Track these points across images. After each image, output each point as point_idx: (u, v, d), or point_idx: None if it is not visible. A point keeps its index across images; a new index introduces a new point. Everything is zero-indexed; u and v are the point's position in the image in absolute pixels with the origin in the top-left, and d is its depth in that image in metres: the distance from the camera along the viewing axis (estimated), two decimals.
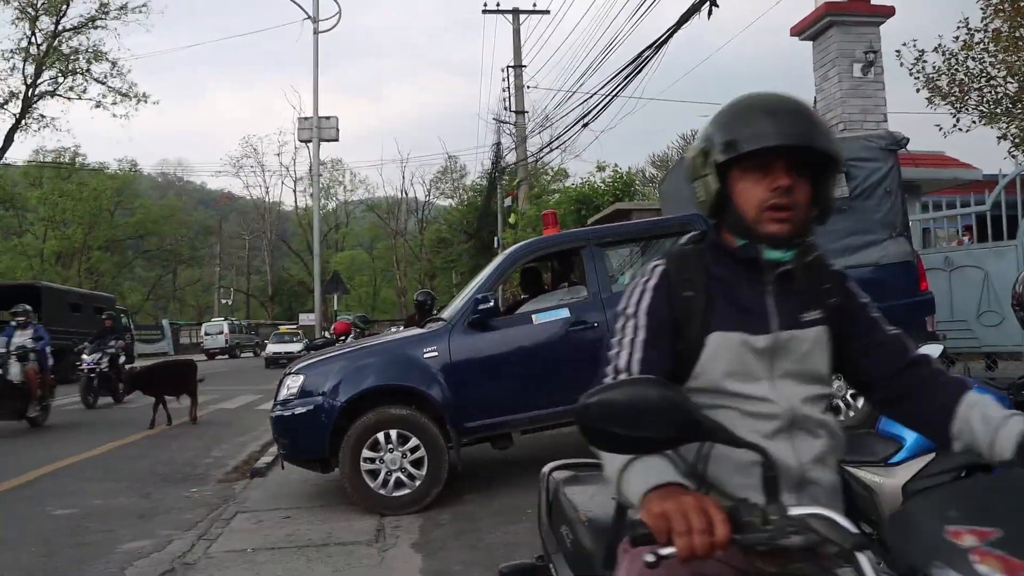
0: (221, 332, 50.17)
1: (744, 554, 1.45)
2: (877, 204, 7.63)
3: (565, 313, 7.07)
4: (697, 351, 1.79)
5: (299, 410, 6.75)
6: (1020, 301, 3.39)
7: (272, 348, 38.59)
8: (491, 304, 6.90)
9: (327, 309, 24.52)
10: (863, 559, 1.30)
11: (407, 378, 6.80)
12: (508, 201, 27.68)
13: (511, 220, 23.96)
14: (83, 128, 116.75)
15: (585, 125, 17.84)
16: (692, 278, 1.83)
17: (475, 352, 6.93)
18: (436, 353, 6.85)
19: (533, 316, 7.15)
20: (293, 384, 6.90)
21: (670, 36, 11.88)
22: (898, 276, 7.58)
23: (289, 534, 6.20)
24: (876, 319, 1.98)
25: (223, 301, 70.42)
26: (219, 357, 46.96)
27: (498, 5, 28.51)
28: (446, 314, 7.53)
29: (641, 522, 1.37)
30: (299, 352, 29.35)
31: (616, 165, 21.84)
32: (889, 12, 10.88)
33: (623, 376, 1.74)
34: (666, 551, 1.32)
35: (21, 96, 38.86)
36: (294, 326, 47.71)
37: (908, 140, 8.10)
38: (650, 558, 1.32)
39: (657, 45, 12.30)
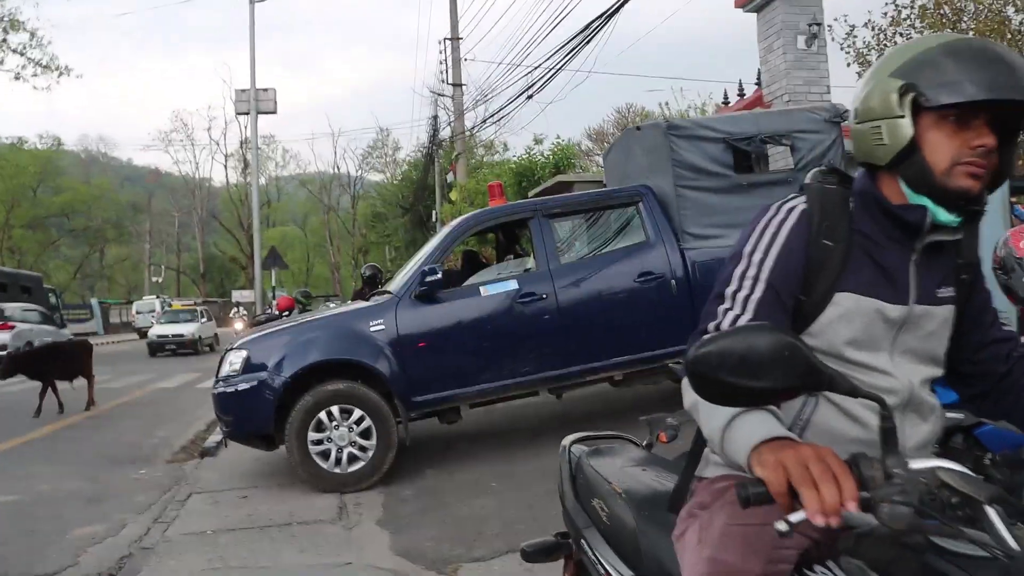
0: (153, 310, 49.05)
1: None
2: None
3: (513, 284, 7.03)
4: (820, 307, 1.63)
5: (242, 386, 6.61)
6: (1002, 265, 3.42)
7: (156, 331, 29.50)
8: (438, 276, 6.82)
9: (264, 286, 24.11)
10: (992, 513, 1.23)
11: (353, 352, 6.70)
12: (450, 176, 27.48)
13: (452, 196, 23.80)
14: (1, 101, 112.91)
15: (530, 97, 17.73)
16: (835, 225, 1.64)
17: (422, 325, 6.84)
18: (383, 326, 6.75)
19: (481, 288, 7.08)
20: (236, 359, 6.75)
21: (622, 5, 11.83)
22: None
23: (249, 514, 6.08)
24: (995, 312, 1.82)
25: (154, 279, 69.08)
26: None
27: None
28: (392, 287, 7.42)
29: (754, 481, 1.27)
30: (192, 336, 28.48)
31: (558, 137, 21.81)
32: None
33: None
34: (796, 517, 1.21)
35: None
36: (191, 302, 42.94)
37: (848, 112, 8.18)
38: (782, 527, 1.20)
39: (608, 15, 12.25)
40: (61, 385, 12.55)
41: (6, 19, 38.25)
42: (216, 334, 32.01)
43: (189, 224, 74.04)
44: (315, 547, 5.20)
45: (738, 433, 1.41)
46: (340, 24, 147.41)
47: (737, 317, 1.59)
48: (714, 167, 7.46)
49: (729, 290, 1.64)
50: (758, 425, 1.39)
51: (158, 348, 28.60)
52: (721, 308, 1.63)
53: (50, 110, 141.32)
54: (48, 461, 8.70)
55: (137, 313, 50.18)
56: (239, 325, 29.08)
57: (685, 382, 1.56)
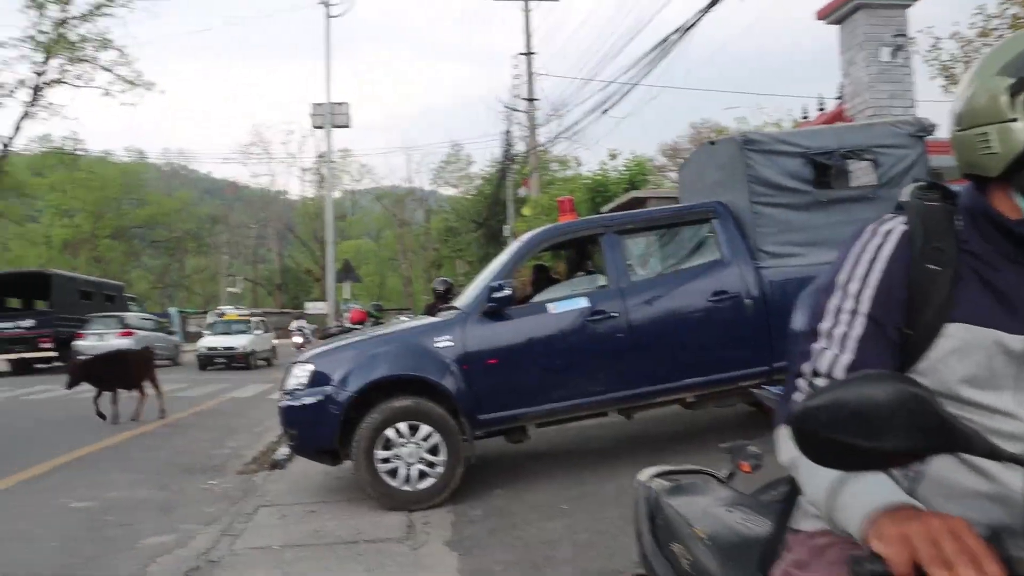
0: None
1: None
2: None
3: (583, 302, 6.88)
4: (928, 342, 1.41)
5: (307, 400, 6.56)
6: None
7: (206, 342, 27.01)
8: (507, 292, 6.70)
9: (337, 298, 24.33)
10: None
11: (419, 368, 6.60)
12: (522, 191, 27.43)
13: (525, 211, 23.74)
14: (89, 116, 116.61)
15: (605, 111, 17.58)
16: (941, 247, 1.43)
17: (490, 342, 6.73)
18: (450, 342, 6.65)
19: (550, 305, 6.95)
20: (301, 373, 6.70)
21: (699, 19, 11.65)
22: None
23: (316, 530, 6.02)
24: None
25: (230, 289, 70.35)
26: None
27: None
28: (460, 302, 7.33)
29: (870, 556, 1.09)
30: (245, 349, 25.91)
31: (632, 152, 21.62)
32: None
33: (820, 382, 1.41)
34: None
35: (30, 84, 38.70)
36: (246, 311, 39.08)
37: (936, 126, 7.88)
38: None
39: (685, 28, 12.07)
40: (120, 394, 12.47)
41: (97, 38, 39.61)
42: (274, 347, 29.76)
43: (266, 236, 75.28)
44: (381, 566, 5.10)
45: (850, 498, 1.22)
46: (415, 39, 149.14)
47: (836, 357, 1.41)
48: (792, 183, 7.22)
49: (824, 326, 1.46)
50: (874, 490, 1.20)
51: (207, 362, 26.23)
52: (816, 347, 1.45)
53: (134, 125, 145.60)
54: (122, 468, 8.80)
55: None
56: (298, 339, 28.32)
57: (780, 433, 1.42)
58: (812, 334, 1.47)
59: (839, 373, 1.39)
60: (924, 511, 1.15)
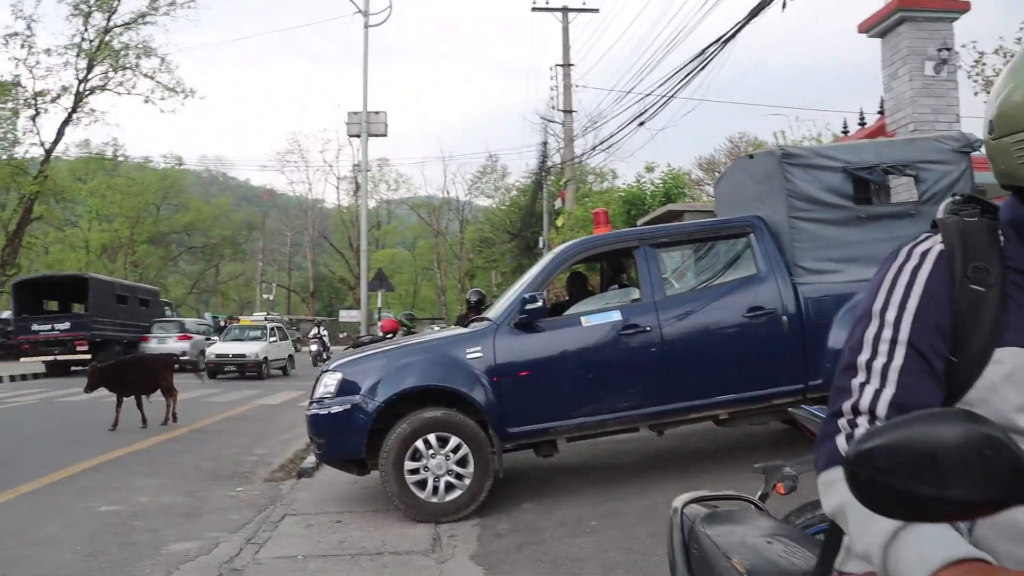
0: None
1: None
2: None
3: (616, 316, 6.76)
4: (977, 369, 1.29)
5: (335, 409, 6.50)
6: None
7: (216, 349, 25.46)
8: (539, 304, 6.58)
9: (370, 306, 24.37)
10: None
11: (449, 379, 6.52)
12: (558, 203, 27.35)
13: (558, 223, 23.66)
14: (129, 123, 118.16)
15: (642, 123, 17.45)
16: (985, 266, 1.32)
17: (521, 354, 6.63)
18: (480, 354, 6.57)
19: (583, 318, 6.83)
20: (330, 382, 6.66)
21: (739, 30, 11.50)
22: None
23: (341, 540, 5.94)
24: None
25: (265, 296, 70.88)
26: None
27: (547, 3, 28.24)
28: (491, 314, 7.25)
29: None
30: (257, 357, 24.35)
31: (669, 165, 21.49)
32: (964, 8, 10.42)
33: (862, 421, 1.29)
34: None
35: (73, 91, 39.28)
36: (262, 316, 37.74)
37: (982, 142, 7.68)
38: None
39: (724, 40, 11.93)
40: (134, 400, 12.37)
41: (140, 46, 40.13)
42: (291, 355, 28.04)
43: (301, 244, 75.84)
44: None
45: (910, 551, 1.08)
46: (452, 50, 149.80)
47: (877, 392, 1.29)
48: (831, 198, 7.06)
49: (862, 359, 1.34)
50: (937, 540, 1.07)
51: (217, 370, 24.38)
52: (855, 382, 1.33)
53: (174, 132, 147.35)
54: (149, 473, 8.79)
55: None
56: (314, 347, 28.62)
57: (825, 477, 1.28)
58: (850, 368, 1.36)
59: (882, 410, 1.28)
60: (997, 567, 1.04)
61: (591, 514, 6.08)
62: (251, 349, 24.82)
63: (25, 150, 38.51)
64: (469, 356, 6.57)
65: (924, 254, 1.36)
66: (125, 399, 12.23)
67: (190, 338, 27.87)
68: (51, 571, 5.43)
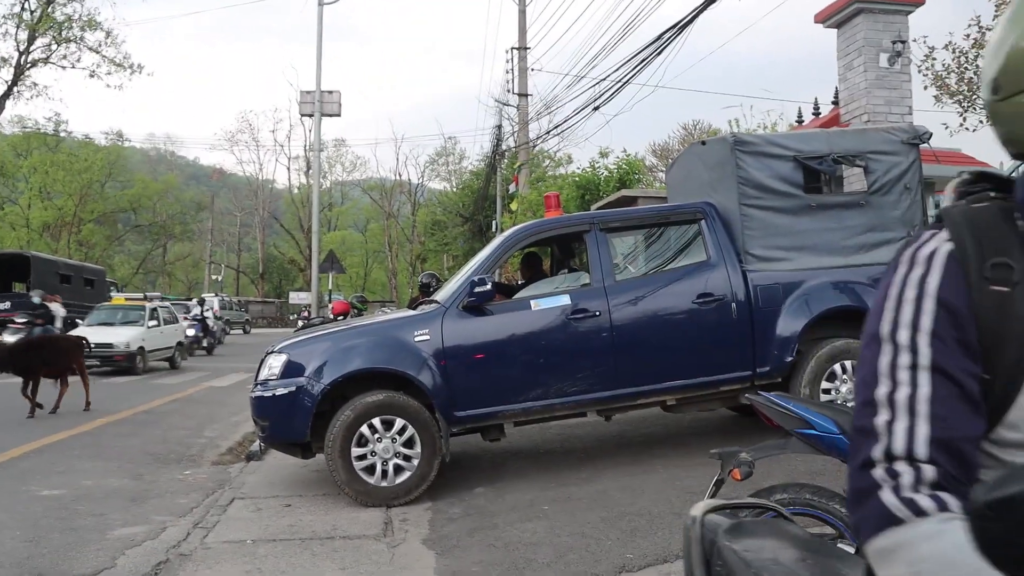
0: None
1: None
2: (896, 200, 7.31)
3: (566, 300, 6.74)
4: (1015, 384, 1.10)
5: (280, 391, 6.40)
6: None
7: (82, 333, 16.73)
8: (487, 287, 6.54)
9: (320, 289, 24.14)
10: None
11: (395, 362, 6.45)
12: (512, 187, 27.28)
13: (512, 206, 23.61)
14: (75, 99, 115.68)
15: (596, 108, 17.43)
16: (1006, 260, 1.12)
17: (469, 337, 6.59)
18: (427, 337, 6.51)
19: (532, 302, 6.79)
20: (275, 364, 6.56)
21: (696, 16, 11.50)
22: None
23: (291, 524, 5.87)
24: None
25: (213, 277, 69.96)
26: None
27: None
28: (440, 296, 7.16)
29: None
30: (128, 347, 18.89)
31: (624, 150, 21.51)
32: (919, 1, 10.56)
33: (903, 467, 1.09)
34: None
35: (13, 63, 38.29)
36: (140, 296, 29.94)
37: (931, 135, 7.77)
38: None
39: (681, 26, 11.92)
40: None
41: (84, 18, 39.24)
42: (183, 343, 22.79)
43: (250, 224, 74.90)
44: (357, 564, 4.96)
45: None
46: (407, 30, 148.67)
47: (910, 429, 1.09)
48: (782, 186, 7.12)
49: (880, 393, 1.13)
50: None
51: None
52: (880, 421, 1.12)
53: (121, 108, 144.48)
54: (94, 456, 8.62)
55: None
56: (191, 332, 24.52)
57: (882, 543, 1.05)
58: (869, 405, 1.14)
59: (921, 450, 1.08)
60: None
61: (543, 498, 6.06)
62: (121, 337, 19.07)
63: None
64: (417, 339, 6.50)
65: (930, 257, 1.16)
66: (30, 381, 11.57)
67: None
68: None
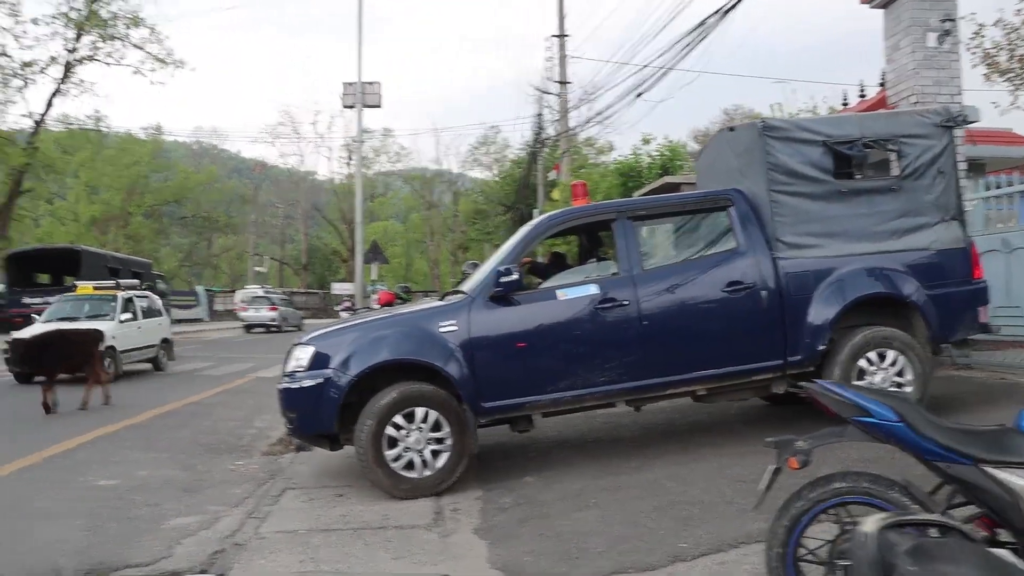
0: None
1: None
2: (929, 185, 7.17)
3: (593, 289, 6.67)
4: None
5: (307, 383, 6.39)
6: None
7: (27, 334, 13.79)
8: (514, 277, 6.48)
9: (365, 279, 24.27)
10: None
11: (422, 353, 6.41)
12: (553, 174, 27.21)
13: (554, 195, 23.55)
14: (120, 94, 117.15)
15: (640, 95, 17.32)
16: None
17: (496, 328, 6.54)
18: (454, 327, 6.48)
19: (559, 291, 6.74)
20: (302, 355, 6.54)
21: (739, 1, 11.38)
22: (950, 263, 7.16)
23: (343, 514, 5.91)
24: None
25: (257, 269, 70.71)
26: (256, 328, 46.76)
27: None
28: (467, 287, 7.13)
29: None
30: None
31: (666, 137, 21.37)
32: None
33: None
34: None
35: (61, 61, 38.92)
36: (111, 283, 19.78)
37: (967, 117, 7.59)
38: None
39: (724, 11, 11.81)
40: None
41: (128, 15, 39.75)
42: (167, 341, 19.13)
43: (293, 216, 75.56)
44: (410, 554, 4.98)
45: None
46: (447, 20, 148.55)
47: None
48: (812, 172, 7.04)
49: None
50: None
51: (26, 365, 13.07)
52: None
53: (164, 103, 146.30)
54: (147, 448, 8.76)
55: (240, 302, 51.35)
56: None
57: None
58: None
59: None
60: None
61: (593, 487, 6.05)
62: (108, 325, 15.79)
63: (14, 121, 38.25)
64: (443, 329, 6.48)
65: None
66: (51, 378, 11.27)
67: (276, 309, 37.02)
68: (53, 545, 5.39)
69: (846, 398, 3.37)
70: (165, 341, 18.83)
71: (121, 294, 17.49)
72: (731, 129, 7.94)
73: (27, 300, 25.34)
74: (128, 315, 17.12)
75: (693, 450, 6.90)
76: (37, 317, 17.95)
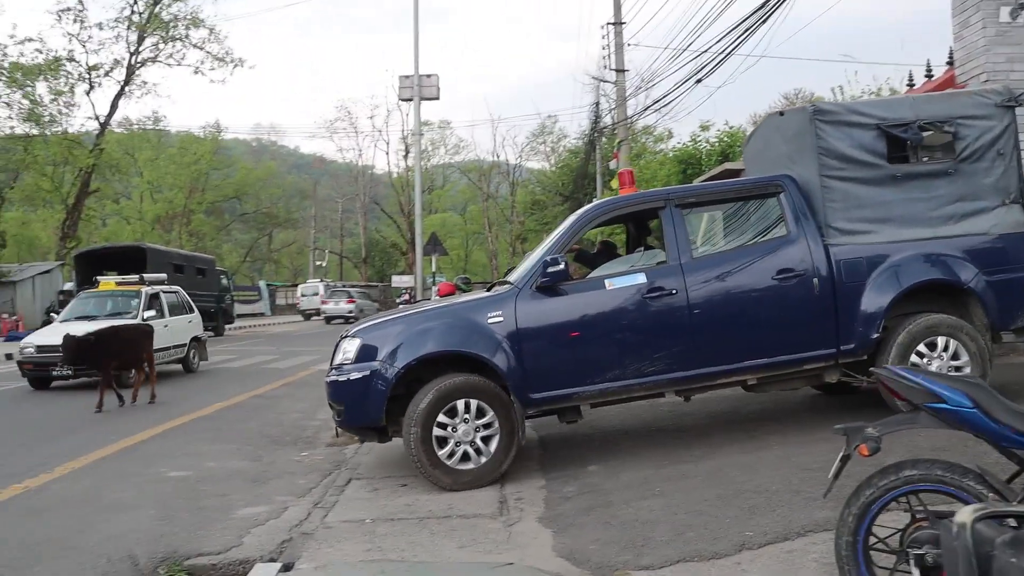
0: (316, 293, 50.80)
1: None
2: (988, 167, 6.94)
3: (641, 278, 6.58)
4: None
5: (354, 375, 6.40)
6: None
7: (38, 339, 14.79)
8: (561, 267, 6.42)
9: (424, 271, 24.45)
10: None
11: (469, 344, 6.38)
12: (613, 164, 27.06)
13: (613, 184, 23.43)
14: (179, 94, 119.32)
15: (699, 81, 17.13)
16: None
17: (543, 318, 6.47)
18: (501, 318, 6.43)
19: (606, 281, 6.65)
20: (349, 348, 6.56)
21: None
22: (1010, 248, 6.92)
23: (407, 504, 5.96)
24: None
25: (317, 263, 71.54)
26: (314, 318, 47.46)
27: None
28: (513, 277, 7.06)
29: None
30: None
31: (726, 123, 21.13)
32: None
33: None
34: None
35: (125, 64, 39.82)
36: (134, 278, 17.63)
37: None
38: None
39: None
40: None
41: (188, 17, 40.48)
42: (198, 339, 17.44)
43: (352, 210, 76.24)
44: (475, 543, 5.00)
45: None
46: (501, 10, 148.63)
47: None
48: (865, 156, 6.86)
49: None
50: None
51: (40, 372, 14.32)
52: None
53: (223, 101, 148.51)
54: (214, 439, 8.93)
55: (302, 296, 52.06)
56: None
57: None
58: None
59: None
60: None
61: (657, 476, 6.01)
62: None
63: (81, 124, 39.31)
64: (490, 320, 6.45)
65: None
66: (106, 374, 11.46)
67: (354, 302, 41.63)
68: (128, 534, 5.53)
69: (918, 384, 3.30)
70: (196, 340, 17.30)
71: (146, 289, 16.25)
72: (781, 114, 7.78)
73: None
74: (152, 312, 15.83)
75: (758, 438, 6.82)
76: (55, 316, 17.56)
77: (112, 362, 11.55)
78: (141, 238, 48.61)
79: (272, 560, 4.96)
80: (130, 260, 27.73)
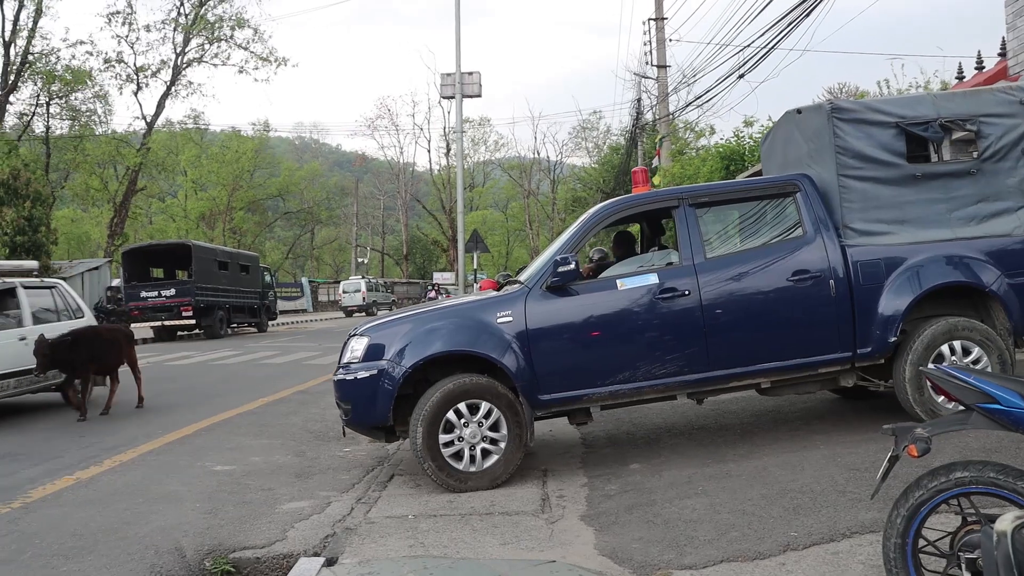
0: (358, 290, 51.19)
1: None
2: (1012, 167, 6.76)
3: (653, 279, 6.49)
4: None
5: (361, 375, 6.35)
6: None
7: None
8: (572, 266, 6.33)
9: (466, 268, 24.49)
10: None
11: (477, 344, 6.31)
12: (655, 161, 26.93)
13: (655, 180, 23.30)
14: (225, 93, 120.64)
15: (741, 76, 16.98)
16: None
17: (553, 318, 6.40)
18: (510, 318, 6.36)
19: (618, 281, 6.57)
20: (357, 346, 6.51)
21: None
22: None
23: (450, 500, 5.97)
24: None
25: (359, 260, 72.04)
26: (356, 315, 47.79)
27: None
28: (524, 276, 6.98)
29: None
30: None
31: (770, 118, 20.90)
32: None
33: None
34: None
35: (171, 64, 40.41)
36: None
37: None
38: None
39: None
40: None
41: (233, 18, 41.00)
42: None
43: (393, 208, 76.68)
44: (517, 540, 5.00)
45: None
46: (542, 7, 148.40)
47: None
48: (884, 155, 6.72)
49: None
50: None
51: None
52: None
53: (268, 100, 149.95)
54: (259, 434, 9.01)
55: (343, 292, 52.48)
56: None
57: None
58: None
59: None
60: None
61: (701, 475, 5.98)
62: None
63: (128, 124, 40.09)
64: (499, 320, 6.38)
65: None
66: (84, 380, 10.69)
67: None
68: (176, 526, 5.62)
69: (970, 384, 3.24)
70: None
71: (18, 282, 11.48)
72: (798, 111, 7.64)
73: (144, 294, 26.46)
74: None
75: (803, 438, 6.76)
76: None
77: (92, 366, 10.76)
78: (186, 235, 49.31)
79: (316, 555, 5.00)
80: (176, 257, 28.24)
